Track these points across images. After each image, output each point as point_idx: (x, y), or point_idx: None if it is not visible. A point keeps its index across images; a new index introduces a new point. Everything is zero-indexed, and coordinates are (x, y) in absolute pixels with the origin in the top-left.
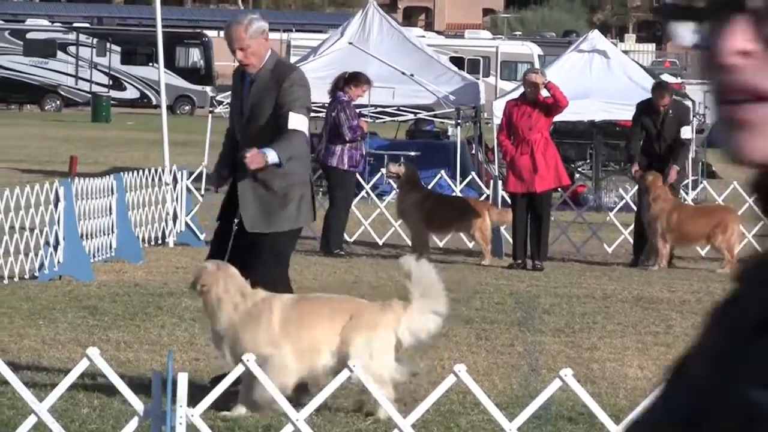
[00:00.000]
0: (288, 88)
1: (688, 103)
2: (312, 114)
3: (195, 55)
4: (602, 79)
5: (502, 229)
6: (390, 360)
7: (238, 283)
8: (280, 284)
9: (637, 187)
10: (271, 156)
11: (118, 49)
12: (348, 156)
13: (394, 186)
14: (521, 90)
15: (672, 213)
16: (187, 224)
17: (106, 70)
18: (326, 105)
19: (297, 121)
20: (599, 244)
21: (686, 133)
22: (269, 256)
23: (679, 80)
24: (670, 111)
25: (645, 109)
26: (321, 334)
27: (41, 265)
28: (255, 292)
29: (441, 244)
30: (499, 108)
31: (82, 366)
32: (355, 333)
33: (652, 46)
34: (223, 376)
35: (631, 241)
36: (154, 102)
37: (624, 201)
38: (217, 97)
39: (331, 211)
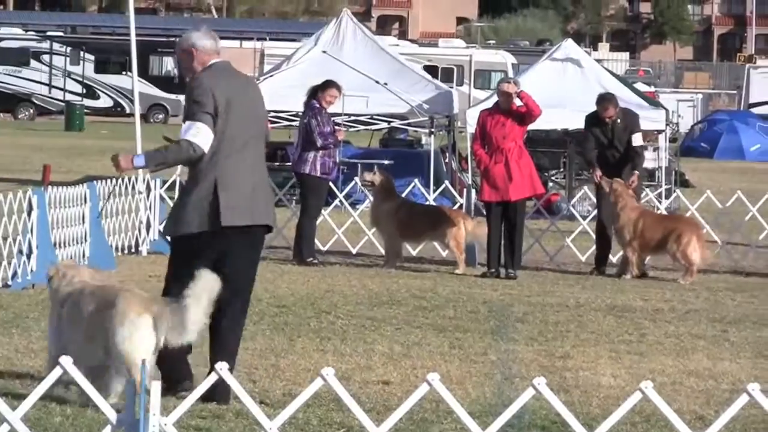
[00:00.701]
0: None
1: (661, 112)
2: (285, 123)
3: (168, 64)
4: (576, 88)
5: None
6: (146, 345)
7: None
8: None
9: (596, 193)
10: (138, 160)
11: (92, 57)
12: (321, 163)
13: (368, 194)
14: (495, 99)
15: (638, 221)
16: (160, 233)
17: (80, 79)
18: (299, 114)
19: (183, 129)
20: (572, 253)
21: (637, 140)
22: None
23: (652, 89)
24: (618, 120)
25: (593, 120)
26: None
27: (14, 274)
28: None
29: (414, 253)
30: (472, 117)
31: (55, 374)
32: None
33: (625, 55)
34: None
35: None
36: (128, 110)
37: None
38: None
39: (303, 219)
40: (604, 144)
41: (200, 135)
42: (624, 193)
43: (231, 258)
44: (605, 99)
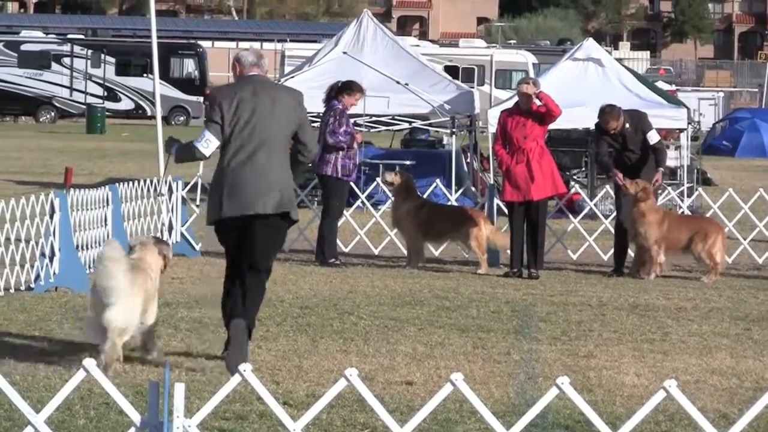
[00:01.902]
0: None
1: (683, 111)
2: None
3: (189, 66)
4: (597, 87)
5: None
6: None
7: None
8: None
9: (615, 194)
10: (173, 149)
11: (113, 60)
12: (341, 165)
13: (390, 195)
14: (516, 99)
15: (662, 221)
16: (182, 235)
17: (101, 81)
18: (320, 115)
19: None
20: (595, 252)
21: (653, 138)
22: None
23: (673, 87)
24: (627, 125)
25: (601, 129)
26: None
27: (37, 277)
28: None
29: (437, 253)
30: (494, 117)
31: (78, 377)
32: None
33: (646, 54)
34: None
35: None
36: (149, 113)
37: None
38: None
39: (325, 220)
40: (618, 149)
41: (203, 141)
42: (649, 194)
43: (248, 239)
44: (605, 113)
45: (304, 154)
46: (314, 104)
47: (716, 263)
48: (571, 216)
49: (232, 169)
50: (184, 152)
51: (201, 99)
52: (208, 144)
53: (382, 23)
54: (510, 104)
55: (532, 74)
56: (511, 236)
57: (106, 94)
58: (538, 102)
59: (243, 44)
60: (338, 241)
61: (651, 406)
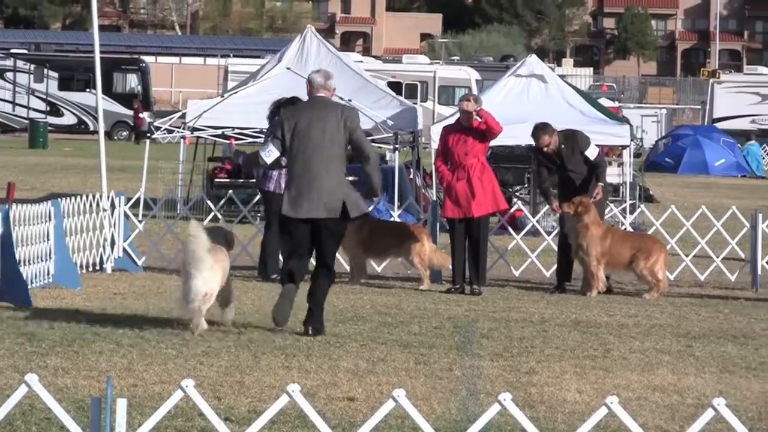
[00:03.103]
0: None
1: (625, 128)
2: (250, 139)
3: (133, 81)
4: (540, 104)
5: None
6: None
7: None
8: None
9: (558, 216)
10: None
11: (56, 75)
12: (285, 180)
13: None
14: (458, 115)
15: (605, 237)
16: (124, 250)
17: (44, 96)
18: (264, 131)
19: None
20: (537, 269)
21: (592, 154)
22: None
23: (616, 104)
24: (562, 146)
25: (537, 150)
26: None
27: None
28: None
29: (379, 270)
30: (437, 133)
31: (20, 393)
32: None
33: (589, 71)
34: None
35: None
36: (92, 128)
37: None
38: (155, 123)
39: (267, 235)
40: (557, 169)
41: (266, 151)
42: (589, 208)
43: (315, 234)
44: (538, 129)
45: (363, 162)
46: (257, 120)
47: (658, 281)
48: (513, 232)
49: (293, 177)
50: (251, 160)
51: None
52: (270, 154)
53: (325, 39)
54: (452, 120)
55: (475, 90)
56: (452, 253)
57: (48, 109)
58: (479, 119)
59: (186, 59)
60: (280, 257)
61: (593, 422)
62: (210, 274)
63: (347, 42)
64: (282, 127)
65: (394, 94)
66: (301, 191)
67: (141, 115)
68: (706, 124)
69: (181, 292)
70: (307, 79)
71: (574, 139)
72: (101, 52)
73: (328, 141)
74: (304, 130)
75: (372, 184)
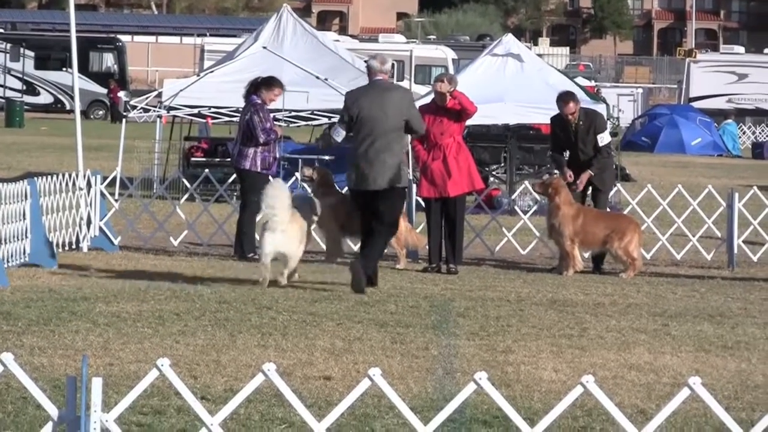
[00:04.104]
0: None
1: (602, 107)
2: (226, 119)
3: (109, 60)
4: (516, 83)
5: (416, 231)
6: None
7: None
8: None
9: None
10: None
11: (32, 54)
12: (261, 158)
13: (308, 190)
14: (433, 95)
15: (577, 217)
16: (101, 229)
17: (20, 75)
18: (240, 109)
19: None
20: (513, 248)
21: (603, 140)
22: None
23: (593, 83)
24: (580, 121)
25: (557, 122)
26: None
27: None
28: None
29: (356, 249)
30: None
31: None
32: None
33: (566, 50)
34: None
35: (546, 243)
36: (68, 107)
37: (538, 204)
38: (131, 102)
39: (243, 214)
40: (571, 145)
41: (336, 131)
42: (560, 189)
43: (375, 203)
44: (565, 95)
45: (413, 137)
46: (233, 99)
47: (633, 260)
48: (489, 211)
49: (358, 154)
50: (325, 140)
51: (120, 93)
52: (339, 135)
53: (301, 18)
54: (428, 100)
55: (451, 70)
56: (428, 232)
57: (25, 88)
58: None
59: (162, 38)
60: (257, 236)
61: (569, 401)
62: (282, 235)
63: (323, 21)
64: (347, 110)
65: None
66: (365, 167)
67: (118, 94)
68: (682, 103)
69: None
70: (366, 65)
71: (593, 118)
72: (77, 31)
73: (387, 121)
74: (366, 112)
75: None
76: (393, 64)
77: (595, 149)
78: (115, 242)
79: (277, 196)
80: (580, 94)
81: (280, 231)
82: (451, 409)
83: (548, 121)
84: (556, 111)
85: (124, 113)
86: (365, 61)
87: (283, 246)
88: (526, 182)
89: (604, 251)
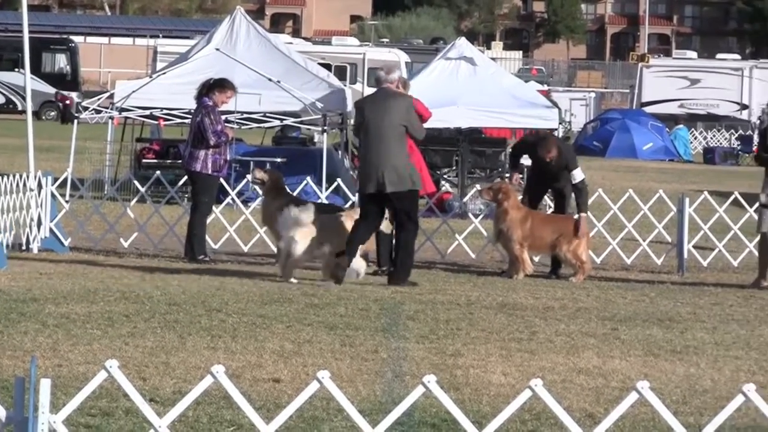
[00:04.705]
0: None
1: (554, 111)
2: (178, 120)
3: (61, 61)
4: (469, 87)
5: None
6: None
7: None
8: None
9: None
10: None
11: None
12: (212, 161)
13: (260, 192)
14: None
15: (525, 220)
16: (51, 230)
17: None
18: (191, 111)
19: None
20: (464, 251)
21: (575, 177)
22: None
23: (545, 87)
24: (554, 161)
25: (531, 150)
26: None
27: None
28: None
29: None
30: None
31: None
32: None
33: (519, 54)
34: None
35: (496, 247)
36: (20, 107)
37: (489, 208)
38: (83, 103)
39: (194, 216)
40: (542, 180)
41: (355, 140)
42: (509, 194)
43: (385, 206)
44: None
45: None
46: (185, 101)
47: (582, 263)
48: (441, 215)
49: (363, 156)
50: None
51: (72, 94)
52: (357, 141)
53: (255, 20)
54: None
55: (404, 73)
56: (377, 236)
57: None
58: None
59: (115, 40)
60: (207, 238)
61: (517, 404)
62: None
63: (277, 23)
64: (357, 116)
65: (325, 74)
66: (369, 169)
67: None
68: (634, 108)
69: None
70: (375, 78)
71: (566, 155)
72: (30, 31)
73: (389, 126)
74: (370, 119)
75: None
76: (398, 69)
77: (566, 182)
78: (66, 243)
79: (305, 210)
80: (536, 99)
81: (297, 235)
82: (400, 412)
83: (499, 125)
84: (509, 115)
85: (76, 114)
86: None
87: (295, 249)
88: (478, 186)
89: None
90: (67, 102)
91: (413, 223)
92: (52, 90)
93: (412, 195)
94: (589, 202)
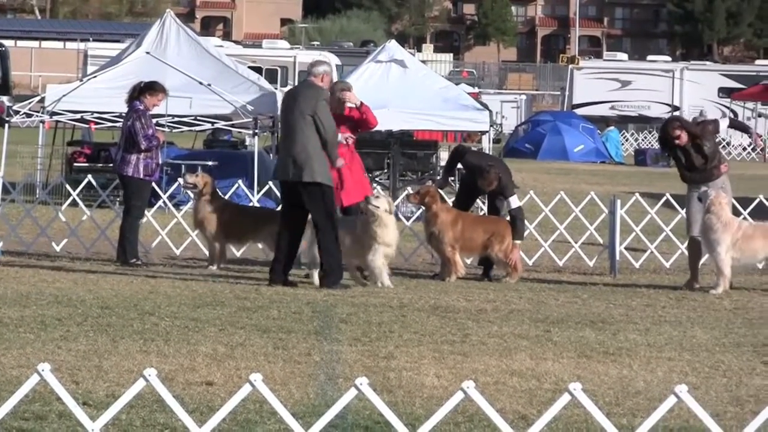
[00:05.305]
0: None
1: (485, 113)
2: (109, 124)
3: None
4: (400, 90)
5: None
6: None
7: None
8: None
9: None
10: None
11: None
12: (144, 165)
13: (192, 196)
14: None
15: (456, 222)
16: None
17: None
18: (122, 115)
19: None
20: (396, 254)
21: (511, 204)
22: None
23: (476, 90)
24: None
25: (470, 170)
26: None
27: None
28: None
29: (238, 254)
30: None
31: None
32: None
33: (449, 56)
34: None
35: (427, 250)
36: None
37: (420, 211)
38: (14, 107)
39: (126, 220)
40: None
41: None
42: (435, 198)
43: (297, 197)
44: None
45: (322, 134)
46: (116, 104)
47: (515, 262)
48: None
49: (281, 144)
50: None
51: (3, 98)
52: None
53: (185, 23)
54: None
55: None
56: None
57: None
58: (350, 105)
59: (46, 43)
60: (139, 241)
61: (450, 407)
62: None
63: (207, 26)
64: (282, 105)
65: (255, 78)
66: (279, 158)
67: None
68: (565, 110)
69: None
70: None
71: (505, 184)
72: None
73: (299, 116)
74: (284, 107)
75: (329, 152)
76: (326, 64)
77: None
78: None
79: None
80: (467, 101)
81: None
82: (333, 415)
83: (431, 128)
84: (440, 118)
85: (7, 118)
86: None
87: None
88: (409, 189)
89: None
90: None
91: (327, 221)
92: None
93: (317, 189)
94: (521, 203)
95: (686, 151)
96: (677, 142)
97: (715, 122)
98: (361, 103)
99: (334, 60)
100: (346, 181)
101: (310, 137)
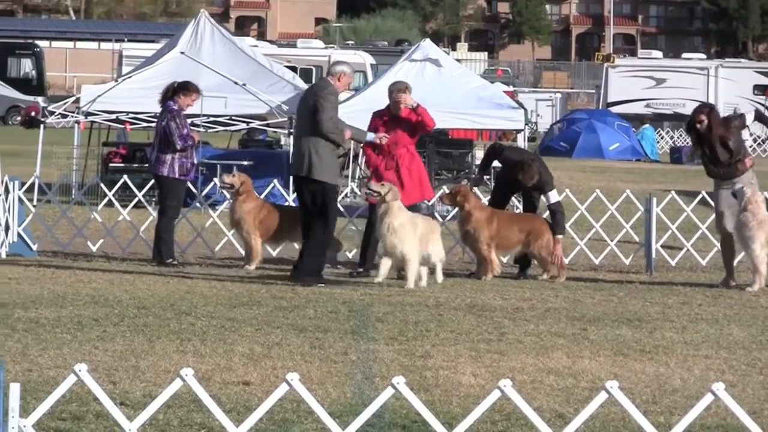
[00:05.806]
0: None
1: (520, 111)
2: (144, 124)
3: (27, 66)
4: (435, 88)
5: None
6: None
7: None
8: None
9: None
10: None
11: None
12: (179, 164)
13: (228, 196)
14: (386, 102)
15: (491, 221)
16: (19, 235)
17: None
18: (157, 115)
19: None
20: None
21: (551, 198)
22: None
23: (511, 88)
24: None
25: (509, 168)
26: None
27: None
28: None
29: (275, 254)
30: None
31: None
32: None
33: (484, 55)
34: None
35: (465, 249)
36: None
37: (456, 209)
38: (49, 108)
39: (162, 220)
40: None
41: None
42: (468, 196)
43: (304, 190)
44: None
45: (318, 126)
46: (151, 104)
47: (558, 257)
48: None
49: (294, 141)
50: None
51: (38, 99)
52: None
53: (219, 23)
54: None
55: (370, 75)
56: (365, 236)
57: None
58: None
59: (80, 44)
60: (175, 241)
61: (486, 405)
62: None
63: (242, 26)
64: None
65: (290, 76)
66: (293, 155)
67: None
68: (600, 108)
69: None
70: None
71: (544, 179)
72: None
73: (306, 113)
74: (300, 106)
75: (335, 143)
76: (345, 65)
77: (547, 207)
78: (34, 248)
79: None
80: (502, 100)
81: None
82: (370, 414)
83: (466, 127)
84: (475, 117)
85: (42, 119)
86: None
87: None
88: (445, 188)
89: (528, 254)
90: (32, 114)
91: (322, 222)
92: (17, 95)
93: (319, 187)
94: (559, 199)
95: (711, 145)
96: (698, 126)
97: (742, 117)
98: (418, 105)
99: (368, 59)
100: (405, 182)
101: (313, 133)
